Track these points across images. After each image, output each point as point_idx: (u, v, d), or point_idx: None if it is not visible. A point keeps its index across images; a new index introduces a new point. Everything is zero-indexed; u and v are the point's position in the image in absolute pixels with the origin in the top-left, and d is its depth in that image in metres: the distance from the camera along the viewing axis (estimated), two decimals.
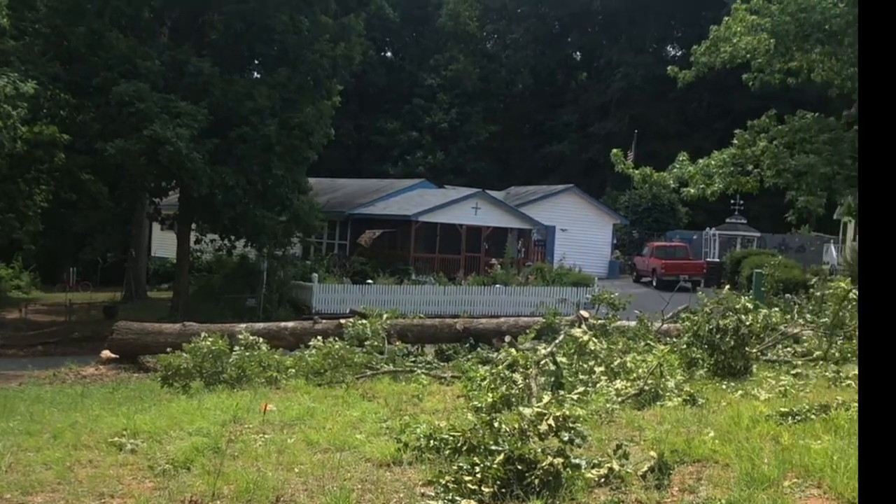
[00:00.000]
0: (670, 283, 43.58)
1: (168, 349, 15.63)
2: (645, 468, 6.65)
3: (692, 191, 29.59)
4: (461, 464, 6.59)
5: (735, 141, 29.78)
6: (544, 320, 18.54)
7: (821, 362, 13.14)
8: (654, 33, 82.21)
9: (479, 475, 6.33)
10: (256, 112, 33.58)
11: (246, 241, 36.92)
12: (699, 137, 63.34)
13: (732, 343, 12.32)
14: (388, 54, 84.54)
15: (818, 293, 16.78)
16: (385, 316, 18.28)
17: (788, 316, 17.17)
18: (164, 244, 48.60)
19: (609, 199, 65.14)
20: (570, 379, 11.43)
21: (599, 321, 17.21)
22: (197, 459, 8.20)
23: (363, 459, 7.99)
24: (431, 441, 7.66)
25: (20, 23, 32.67)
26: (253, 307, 35.14)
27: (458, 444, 7.17)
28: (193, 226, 37.67)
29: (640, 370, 11.56)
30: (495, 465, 6.38)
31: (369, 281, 38.72)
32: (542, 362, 11.36)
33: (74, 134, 32.55)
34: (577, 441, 6.96)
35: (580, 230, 55.11)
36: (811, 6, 26.68)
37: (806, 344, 14.93)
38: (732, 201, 51.94)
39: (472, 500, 6.15)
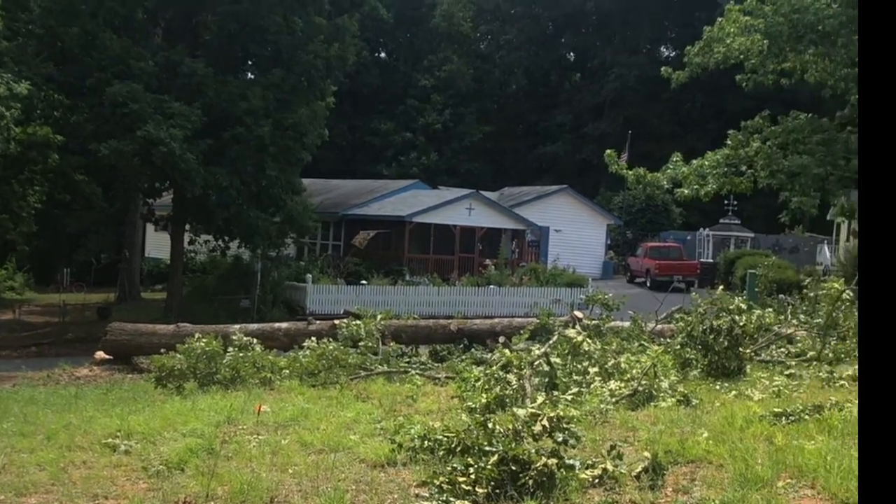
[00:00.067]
0: (664, 283, 43.65)
1: (162, 350, 15.62)
2: (639, 469, 6.66)
3: (686, 191, 29.64)
4: (455, 464, 6.59)
5: (729, 142, 29.84)
6: (538, 321, 18.54)
7: (814, 363, 13.16)
8: (648, 34, 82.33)
9: (473, 476, 6.34)
10: (250, 113, 33.55)
11: (240, 241, 36.88)
12: (693, 138, 63.43)
13: (726, 343, 12.34)
14: (382, 55, 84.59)
15: (812, 294, 16.80)
16: (379, 317, 18.28)
17: (782, 316, 17.18)
18: (157, 245, 48.58)
19: (603, 199, 65.22)
20: (564, 380, 11.43)
21: (593, 322, 17.22)
22: (191, 460, 8.20)
23: (357, 460, 8.00)
24: (425, 442, 7.66)
25: (13, 23, 32.61)
26: (247, 308, 35.11)
27: (453, 445, 7.17)
28: (187, 226, 37.66)
29: (634, 371, 11.57)
30: (489, 466, 6.38)
31: (363, 282, 38.70)
32: (536, 363, 11.36)
33: (68, 135, 32.50)
34: (572, 442, 6.97)
35: (574, 231, 55.18)
36: (804, 7, 26.73)
37: (799, 344, 14.94)
38: (726, 202, 51.98)
39: (466, 501, 6.15)
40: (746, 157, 29.07)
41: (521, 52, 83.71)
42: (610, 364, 12.11)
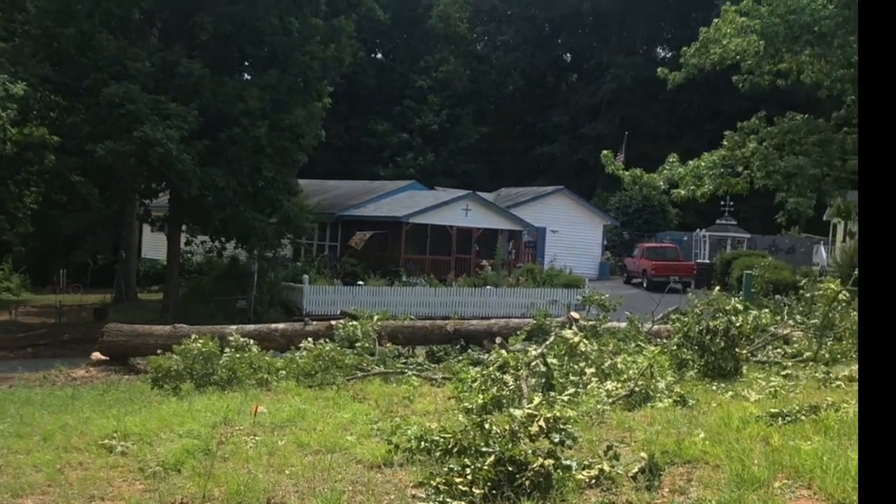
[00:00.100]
0: (661, 284, 43.64)
1: (158, 351, 15.60)
2: (635, 469, 6.67)
3: (682, 192, 29.68)
4: (452, 465, 6.60)
5: (725, 142, 29.87)
6: (535, 321, 18.53)
7: (811, 363, 13.17)
8: (644, 35, 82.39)
9: (469, 477, 6.34)
10: (247, 113, 33.54)
11: (236, 242, 36.88)
12: (689, 139, 63.48)
13: (722, 344, 12.34)
14: (379, 56, 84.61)
15: (808, 294, 16.81)
16: (376, 317, 18.26)
17: (778, 317, 17.18)
18: (154, 246, 48.56)
19: (599, 200, 65.25)
20: (560, 380, 11.43)
21: (590, 322, 17.21)
22: (187, 461, 8.20)
23: (354, 461, 7.99)
24: (422, 442, 7.66)
25: (10, 24, 32.62)
26: (243, 309, 35.11)
27: (449, 446, 7.17)
28: (184, 227, 37.66)
29: (631, 371, 11.57)
30: (486, 467, 6.38)
31: (360, 282, 38.72)
32: (533, 364, 11.36)
33: (64, 135, 32.47)
34: (568, 442, 6.97)
35: (571, 231, 55.21)
36: (800, 8, 26.77)
37: (796, 345, 14.96)
38: (722, 202, 52.01)
39: (462, 502, 6.16)
40: (743, 157, 29.10)
41: (518, 52, 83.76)
42: (606, 365, 12.10)
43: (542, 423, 6.93)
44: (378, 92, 77.79)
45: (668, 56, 78.81)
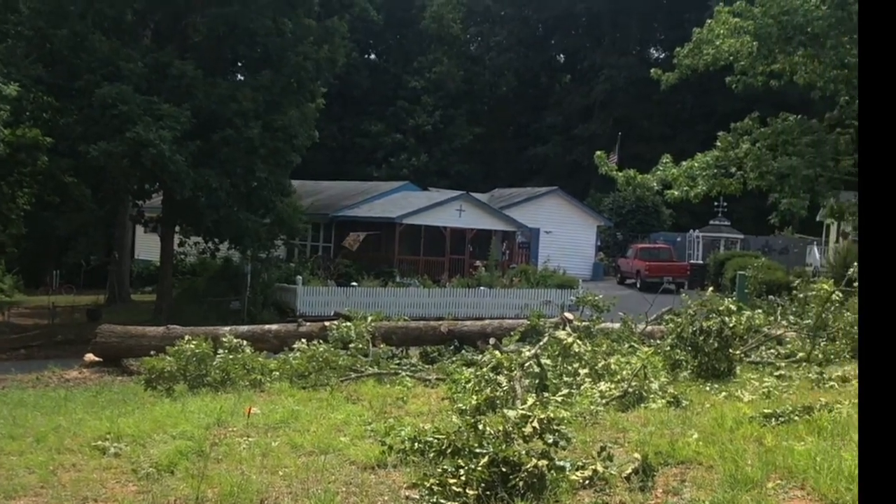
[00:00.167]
0: (654, 284, 43.68)
1: (152, 352, 15.58)
2: (629, 470, 6.66)
3: (676, 193, 29.68)
4: (446, 466, 6.59)
5: (718, 143, 29.89)
6: (529, 322, 18.55)
7: (804, 364, 13.20)
8: (638, 36, 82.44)
9: (463, 478, 6.33)
10: (240, 114, 33.53)
11: (230, 243, 36.85)
12: (683, 139, 63.51)
13: (716, 345, 12.36)
14: (372, 56, 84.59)
15: (801, 295, 16.83)
16: (369, 318, 18.26)
17: (772, 317, 17.22)
18: (147, 247, 48.53)
19: (593, 201, 65.28)
20: (554, 381, 11.44)
21: (584, 323, 17.24)
22: (181, 463, 8.19)
23: (347, 462, 7.99)
24: (416, 443, 7.66)
25: (2, 25, 32.57)
26: (237, 310, 35.08)
27: (443, 447, 7.16)
28: (177, 228, 37.62)
29: (625, 372, 11.58)
30: (480, 468, 6.37)
31: (353, 283, 38.70)
32: (527, 364, 11.37)
33: (57, 136, 32.38)
34: (562, 443, 6.96)
35: (564, 232, 55.22)
36: (793, 9, 26.79)
37: (789, 345, 14.99)
38: (716, 203, 52.11)
39: (456, 503, 6.15)
40: (736, 158, 29.12)
41: (511, 53, 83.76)
42: (600, 365, 12.11)
43: (535, 423, 6.93)
44: (371, 93, 77.78)
45: (661, 57, 78.85)
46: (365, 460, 7.92)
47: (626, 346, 15.70)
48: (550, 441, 6.84)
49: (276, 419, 10.25)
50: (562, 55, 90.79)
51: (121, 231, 43.40)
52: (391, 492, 6.88)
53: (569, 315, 18.66)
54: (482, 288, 40.17)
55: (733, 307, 13.51)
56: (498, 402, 9.53)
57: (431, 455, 7.33)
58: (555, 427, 6.97)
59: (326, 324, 18.85)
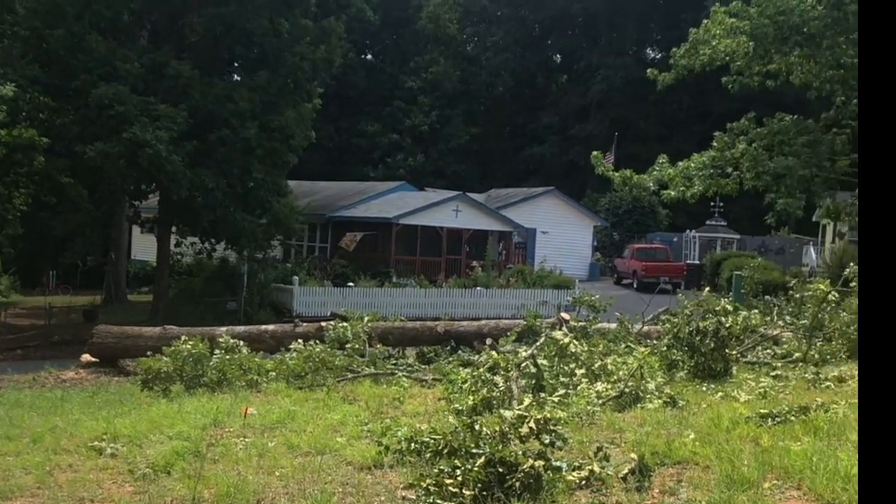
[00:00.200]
0: (651, 285, 43.75)
1: (148, 353, 15.59)
2: (625, 470, 6.67)
3: (672, 193, 29.68)
4: (442, 467, 6.59)
5: (714, 143, 29.88)
6: (525, 323, 18.54)
7: (800, 364, 13.20)
8: (634, 36, 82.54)
9: (460, 478, 6.33)
10: (236, 115, 33.52)
11: (226, 243, 36.84)
12: (679, 140, 63.60)
13: (712, 345, 12.36)
14: (369, 57, 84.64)
15: (797, 295, 16.83)
16: (366, 319, 18.25)
17: (768, 318, 17.23)
18: (144, 247, 48.50)
19: (589, 201, 65.34)
20: (550, 381, 11.44)
21: (580, 323, 17.23)
22: (177, 463, 8.18)
23: (344, 463, 7.99)
24: (412, 444, 7.66)
25: None
26: (233, 310, 35.09)
27: (439, 447, 7.17)
28: (173, 229, 37.61)
29: (621, 372, 11.58)
30: (476, 468, 6.38)
31: (350, 284, 38.72)
32: (523, 365, 11.37)
33: (54, 137, 32.37)
34: (558, 443, 6.97)
35: (561, 232, 55.27)
36: (789, 9, 26.79)
37: (785, 346, 14.99)
38: (712, 203, 52.12)
39: (453, 503, 6.15)
40: (732, 158, 29.12)
41: (508, 53, 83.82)
42: (597, 366, 12.11)
43: (532, 424, 6.94)
44: (368, 93, 77.81)
45: (657, 57, 78.96)
46: (361, 461, 7.92)
47: (623, 346, 15.69)
48: (547, 441, 6.85)
49: (272, 419, 10.25)
50: (558, 55, 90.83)
51: (117, 231, 43.36)
52: (388, 492, 6.88)
53: (565, 315, 18.66)
54: (479, 288, 40.19)
55: (730, 307, 13.51)
56: (494, 402, 9.53)
57: (428, 455, 7.34)
58: (551, 427, 6.98)
59: (323, 324, 18.84)
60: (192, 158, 32.14)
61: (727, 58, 29.15)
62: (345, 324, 17.57)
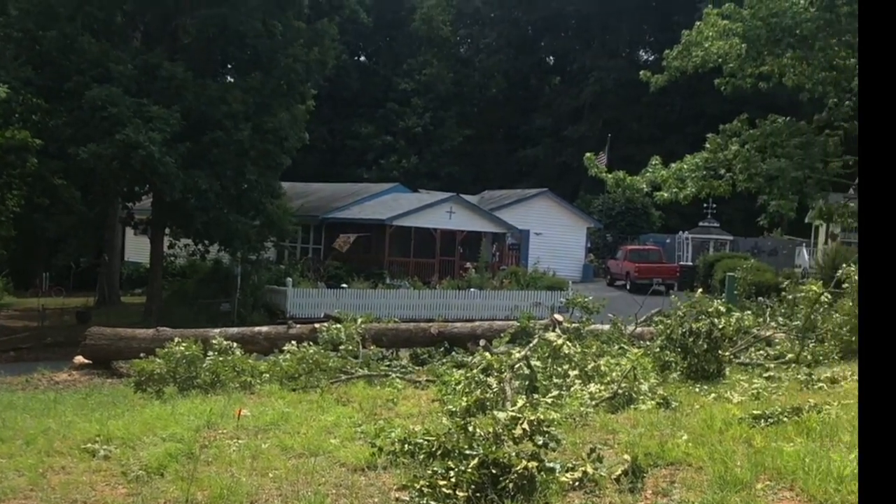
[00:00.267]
0: (644, 286, 43.68)
1: (141, 354, 15.57)
2: (619, 471, 6.68)
3: (665, 195, 29.73)
4: (436, 468, 6.59)
5: (707, 145, 29.95)
6: (519, 324, 18.58)
7: (793, 365, 13.22)
8: (627, 38, 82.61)
9: (453, 479, 6.33)
10: (230, 116, 33.51)
11: (219, 245, 36.82)
12: (672, 141, 63.61)
13: (705, 346, 12.37)
14: (362, 58, 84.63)
15: (790, 296, 16.87)
16: (360, 320, 18.26)
17: (761, 319, 17.25)
18: (137, 249, 48.44)
19: (583, 202, 65.36)
20: (544, 382, 11.44)
21: (573, 325, 17.26)
22: (170, 465, 8.17)
23: (337, 464, 7.98)
24: (406, 445, 7.65)
25: None
26: (227, 312, 35.04)
27: (433, 449, 7.17)
28: (167, 230, 37.56)
29: (614, 373, 11.59)
30: (470, 470, 6.38)
31: (344, 285, 38.68)
32: (517, 366, 11.37)
33: (47, 138, 32.32)
34: (552, 445, 6.97)
35: (554, 234, 55.27)
36: (782, 11, 26.87)
37: (778, 347, 15.00)
38: (705, 205, 52.24)
39: None
40: (725, 160, 29.18)
41: (501, 55, 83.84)
42: (590, 367, 12.12)
43: (525, 425, 6.94)
44: (361, 94, 77.79)
45: (650, 59, 79.12)
46: (355, 462, 7.92)
47: (616, 347, 15.71)
48: (540, 443, 6.85)
49: (266, 421, 10.24)
50: (551, 57, 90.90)
51: (110, 233, 43.31)
52: (381, 494, 6.88)
53: (559, 317, 18.71)
54: (472, 289, 40.19)
55: (722, 309, 13.52)
56: (488, 403, 9.53)
57: (421, 457, 7.34)
58: (545, 429, 6.98)
59: (316, 326, 18.85)
60: (185, 160, 32.13)
61: (720, 60, 29.22)
62: (338, 325, 17.57)
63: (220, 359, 14.76)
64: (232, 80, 39.14)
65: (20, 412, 12.86)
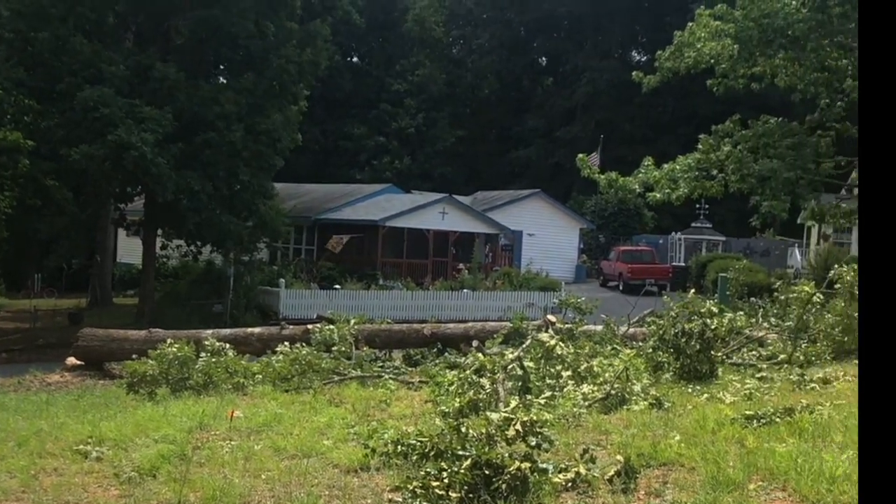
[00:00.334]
0: (636, 287, 43.76)
1: (134, 356, 15.54)
2: (612, 472, 6.68)
3: (658, 195, 29.75)
4: (429, 469, 6.58)
5: (700, 146, 29.98)
6: (511, 325, 18.58)
7: (785, 365, 13.23)
8: (619, 39, 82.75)
9: (446, 481, 6.33)
10: (222, 117, 33.48)
11: (212, 246, 36.78)
12: (664, 142, 63.68)
13: (698, 347, 12.37)
14: (355, 59, 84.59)
15: (782, 297, 16.91)
16: (352, 321, 18.23)
17: (753, 319, 17.28)
18: (129, 250, 48.38)
19: (575, 203, 65.43)
20: (537, 383, 11.44)
21: (566, 326, 17.27)
22: (163, 467, 8.16)
23: (330, 465, 7.98)
24: (399, 446, 7.65)
25: None
26: (220, 313, 35.00)
27: (426, 450, 7.17)
28: (159, 231, 37.50)
29: (607, 374, 11.59)
30: (463, 471, 6.37)
31: (336, 286, 38.66)
32: (510, 367, 11.37)
33: (39, 139, 32.26)
34: (545, 445, 6.97)
35: (547, 235, 55.33)
36: (774, 12, 26.92)
37: (770, 347, 15.02)
38: (698, 206, 52.31)
39: None
40: (717, 161, 29.21)
41: (494, 56, 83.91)
42: (583, 368, 12.12)
43: (518, 426, 6.94)
44: (354, 95, 77.78)
45: (642, 60, 79.21)
46: (348, 463, 7.91)
47: (609, 348, 15.70)
48: (533, 443, 6.85)
49: (258, 422, 10.23)
50: (544, 58, 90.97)
51: (103, 234, 43.23)
52: (374, 495, 6.88)
53: (551, 317, 18.70)
54: (465, 290, 40.19)
55: (715, 309, 13.53)
56: (481, 404, 9.54)
57: (414, 458, 7.34)
58: (537, 430, 6.98)
59: (309, 327, 18.83)
60: (177, 161, 32.10)
61: (712, 60, 29.24)
62: (331, 326, 17.55)
63: (213, 360, 14.75)
64: (224, 81, 39.11)
65: (12, 414, 12.84)
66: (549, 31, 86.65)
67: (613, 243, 59.32)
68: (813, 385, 10.88)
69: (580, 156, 32.42)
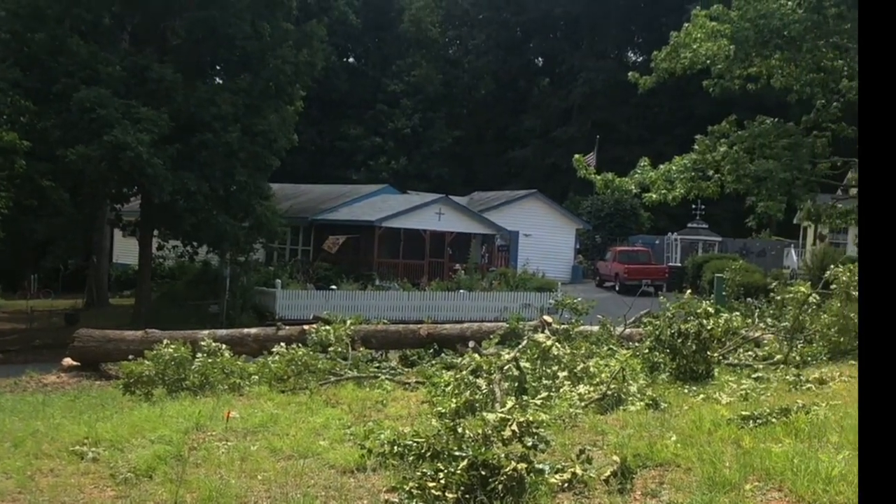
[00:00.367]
0: (633, 287, 43.71)
1: (130, 356, 15.52)
2: (608, 473, 6.69)
3: (654, 196, 29.76)
4: (425, 470, 6.58)
5: (696, 146, 30.01)
6: (508, 325, 18.59)
7: (781, 366, 13.23)
8: (616, 39, 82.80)
9: (442, 481, 6.33)
10: (219, 118, 33.46)
11: (208, 247, 36.75)
12: (660, 143, 63.71)
13: (694, 347, 12.38)
14: (351, 60, 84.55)
15: (779, 297, 16.89)
16: (349, 322, 18.22)
17: (749, 320, 17.27)
18: (126, 250, 48.31)
19: (572, 204, 65.40)
20: (533, 384, 11.45)
21: (563, 326, 17.26)
22: (159, 467, 8.16)
23: (327, 466, 7.98)
24: (395, 447, 7.65)
25: None
26: (216, 313, 34.98)
27: (422, 450, 7.17)
28: (155, 232, 37.49)
29: (603, 375, 11.59)
30: (459, 471, 6.37)
31: (333, 287, 38.63)
32: (506, 367, 11.37)
33: (35, 140, 32.19)
34: (541, 446, 6.98)
35: (543, 235, 55.28)
36: (770, 12, 26.93)
37: (767, 348, 15.02)
38: (694, 206, 52.32)
39: None
40: (713, 161, 29.23)
41: (490, 57, 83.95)
42: (579, 368, 12.12)
43: (514, 427, 6.94)
44: (350, 96, 77.74)
45: (639, 60, 79.23)
46: (344, 464, 7.91)
47: (605, 348, 15.70)
48: (529, 444, 6.85)
49: (255, 423, 10.23)
50: (540, 58, 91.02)
51: (99, 235, 43.20)
52: (371, 496, 6.88)
53: (548, 318, 18.71)
54: (462, 291, 40.18)
55: (711, 310, 13.53)
56: (477, 405, 9.54)
57: (411, 458, 7.33)
58: (534, 430, 6.99)
59: (306, 327, 18.82)
60: (174, 161, 32.08)
61: (708, 61, 29.28)
62: (327, 327, 17.53)
63: (209, 361, 14.72)
64: (221, 81, 39.08)
65: (8, 414, 12.83)
66: (545, 32, 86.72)
67: (610, 244, 59.29)
68: (809, 385, 10.88)
69: (577, 156, 32.42)
